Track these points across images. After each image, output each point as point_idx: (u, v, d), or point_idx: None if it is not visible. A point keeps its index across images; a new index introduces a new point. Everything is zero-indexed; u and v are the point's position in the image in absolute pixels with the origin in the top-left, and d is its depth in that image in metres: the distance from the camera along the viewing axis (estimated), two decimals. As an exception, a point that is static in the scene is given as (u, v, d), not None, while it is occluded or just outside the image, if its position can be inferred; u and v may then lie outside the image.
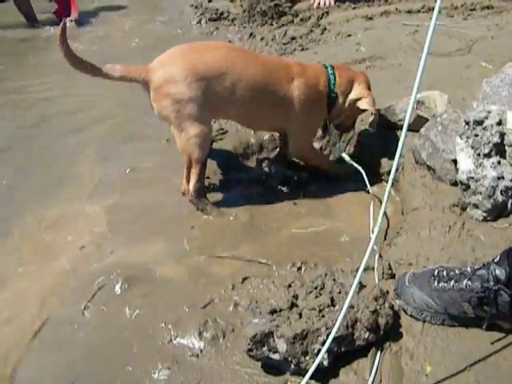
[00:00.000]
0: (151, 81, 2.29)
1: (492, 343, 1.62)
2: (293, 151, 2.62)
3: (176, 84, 2.24)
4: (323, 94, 2.48)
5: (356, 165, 2.54)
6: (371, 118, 2.66)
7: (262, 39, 4.32)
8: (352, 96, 2.52)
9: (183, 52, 2.33)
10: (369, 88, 2.56)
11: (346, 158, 2.61)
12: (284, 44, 4.11)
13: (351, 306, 1.64)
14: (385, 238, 2.24)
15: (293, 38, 4.21)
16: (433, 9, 3.78)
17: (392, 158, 2.52)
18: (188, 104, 2.27)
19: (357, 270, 1.95)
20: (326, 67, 2.52)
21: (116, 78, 2.31)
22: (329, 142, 2.83)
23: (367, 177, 2.47)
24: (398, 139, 2.58)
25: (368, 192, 2.46)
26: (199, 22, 5.05)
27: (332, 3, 4.91)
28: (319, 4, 4.93)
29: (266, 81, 2.35)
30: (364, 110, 2.57)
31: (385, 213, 2.22)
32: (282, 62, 2.53)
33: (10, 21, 5.41)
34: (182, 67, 2.25)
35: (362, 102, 2.51)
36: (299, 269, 1.97)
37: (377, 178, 2.60)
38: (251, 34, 4.42)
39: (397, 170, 2.48)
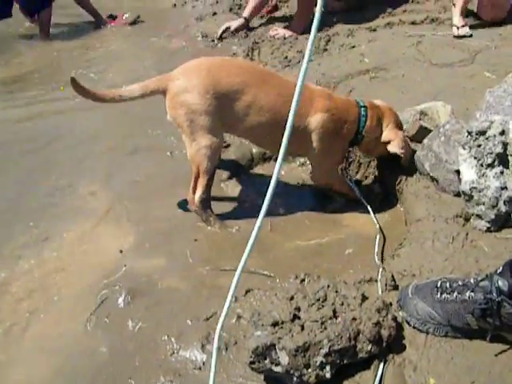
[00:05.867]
0: (169, 87, 2.31)
1: (496, 355, 1.60)
2: (315, 179, 2.60)
3: (194, 95, 2.26)
4: (348, 134, 2.44)
5: (364, 201, 2.54)
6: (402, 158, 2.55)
7: (265, 50, 4.34)
8: (381, 138, 2.47)
9: (209, 65, 2.34)
10: (398, 127, 2.49)
11: (357, 191, 2.60)
12: (287, 56, 4.11)
13: (353, 318, 1.63)
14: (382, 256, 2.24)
15: (297, 50, 4.22)
16: (436, 19, 3.78)
17: (394, 170, 2.54)
18: (203, 116, 2.29)
19: (360, 282, 1.95)
20: (360, 106, 2.44)
21: (137, 98, 2.37)
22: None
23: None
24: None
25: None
26: (203, 35, 5.07)
27: (287, 35, 4.57)
28: (276, 35, 4.63)
29: (287, 110, 2.32)
30: None
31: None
32: (308, 91, 2.37)
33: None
34: (205, 80, 2.27)
35: (390, 145, 2.44)
36: (302, 281, 1.95)
37: (381, 188, 2.61)
38: (255, 46, 4.44)
39: (400, 180, 2.50)
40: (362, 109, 2.44)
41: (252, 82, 2.31)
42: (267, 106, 2.31)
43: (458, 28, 3.99)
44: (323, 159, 2.48)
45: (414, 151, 2.52)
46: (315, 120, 2.35)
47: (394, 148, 2.43)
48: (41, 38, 5.39)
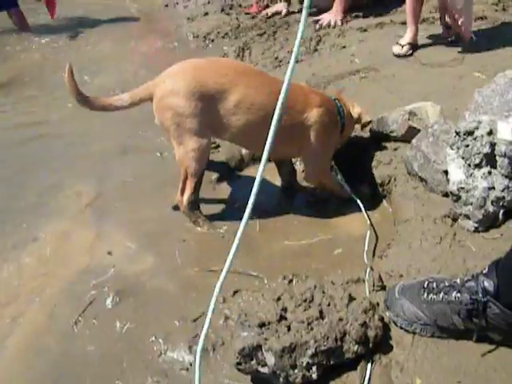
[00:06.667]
0: (156, 91, 2.30)
1: (482, 355, 1.60)
2: (310, 178, 2.60)
3: (180, 97, 2.24)
4: (338, 126, 2.50)
5: (355, 197, 2.56)
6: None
7: (256, 51, 4.34)
8: (354, 118, 2.58)
9: (194, 67, 2.32)
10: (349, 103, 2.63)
11: (347, 189, 2.62)
12: (278, 57, 4.12)
13: (340, 319, 1.63)
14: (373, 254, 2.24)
15: (288, 50, 4.22)
16: (426, 20, 3.77)
17: (384, 168, 2.55)
18: (189, 118, 2.26)
19: (347, 283, 1.95)
20: (334, 99, 2.53)
21: (127, 107, 2.36)
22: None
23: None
24: (390, 149, 2.62)
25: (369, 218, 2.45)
26: (195, 35, 5.06)
27: (338, 23, 4.71)
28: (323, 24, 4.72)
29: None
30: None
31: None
32: (299, 88, 2.43)
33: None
34: (190, 82, 2.24)
35: (363, 118, 2.60)
36: (290, 281, 1.94)
37: (369, 189, 2.61)
38: (246, 46, 4.43)
39: (389, 181, 2.50)
40: (336, 101, 2.52)
41: (239, 81, 2.28)
42: (256, 105, 2.29)
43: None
44: (319, 156, 2.49)
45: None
46: (312, 115, 2.36)
47: (367, 118, 2.62)
48: (22, 32, 5.41)
